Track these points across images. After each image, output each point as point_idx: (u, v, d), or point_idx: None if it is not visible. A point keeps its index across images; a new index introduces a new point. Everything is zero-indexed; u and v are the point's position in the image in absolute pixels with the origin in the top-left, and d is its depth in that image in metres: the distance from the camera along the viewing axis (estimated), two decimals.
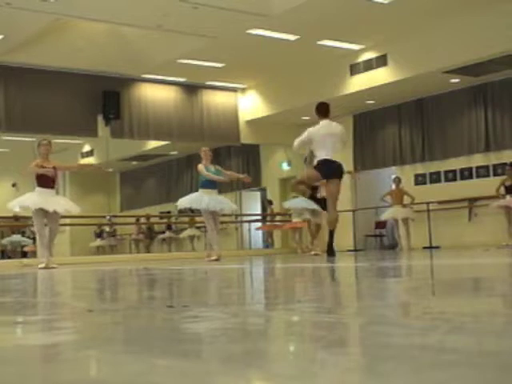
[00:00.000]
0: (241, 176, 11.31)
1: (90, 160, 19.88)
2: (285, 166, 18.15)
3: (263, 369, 1.14)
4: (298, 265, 6.74)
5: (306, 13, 11.75)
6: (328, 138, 8.67)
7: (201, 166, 10.31)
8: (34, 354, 1.40)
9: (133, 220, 19.58)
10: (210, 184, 10.27)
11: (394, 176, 15.01)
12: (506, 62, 12.43)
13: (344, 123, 16.04)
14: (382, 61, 13.95)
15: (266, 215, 18.50)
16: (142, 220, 19.49)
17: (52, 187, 9.08)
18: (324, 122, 8.82)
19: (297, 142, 9.01)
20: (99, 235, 20.14)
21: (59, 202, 9.14)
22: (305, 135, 8.93)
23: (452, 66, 12.83)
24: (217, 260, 9.77)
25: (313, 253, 11.59)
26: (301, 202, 12.26)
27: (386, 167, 16.06)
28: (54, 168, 9.11)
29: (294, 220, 14.72)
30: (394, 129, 15.71)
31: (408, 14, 12.12)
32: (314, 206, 11.79)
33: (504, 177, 12.81)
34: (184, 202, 10.36)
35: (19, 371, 1.19)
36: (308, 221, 12.58)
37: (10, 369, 1.20)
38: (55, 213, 8.93)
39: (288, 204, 13.87)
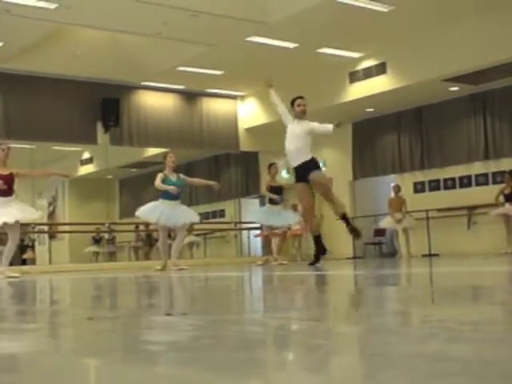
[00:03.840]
0: (210, 183, 10.50)
1: (89, 167, 19.89)
2: (284, 174, 18.15)
3: (262, 377, 1.14)
4: (297, 273, 6.74)
5: (306, 21, 11.78)
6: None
7: (159, 177, 9.71)
8: (33, 361, 1.39)
9: (132, 227, 19.55)
10: (170, 195, 9.67)
11: (393, 184, 15.01)
12: (505, 70, 12.46)
13: (343, 131, 16.16)
14: (381, 69, 13.97)
15: None
16: (141, 227, 19.45)
17: (8, 195, 8.41)
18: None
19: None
20: (98, 241, 20.04)
21: (14, 211, 8.32)
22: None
23: (451, 74, 12.85)
24: (162, 270, 9.47)
25: (278, 262, 10.98)
26: (257, 217, 11.63)
27: (385, 175, 16.06)
28: (11, 174, 8.45)
29: (294, 227, 14.71)
30: (393, 136, 15.72)
31: (407, 22, 12.16)
32: (270, 222, 11.23)
33: (503, 185, 12.82)
34: (142, 213, 9.91)
35: (18, 379, 1.19)
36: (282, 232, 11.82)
37: (9, 377, 1.20)
38: (15, 223, 8.32)
39: (250, 216, 13.55)
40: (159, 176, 9.74)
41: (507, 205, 12.55)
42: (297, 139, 8.20)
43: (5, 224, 8.28)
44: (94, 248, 19.86)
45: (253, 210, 13.85)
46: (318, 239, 8.53)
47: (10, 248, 8.52)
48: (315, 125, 8.29)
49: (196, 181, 10.92)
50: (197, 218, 10.33)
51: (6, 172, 8.44)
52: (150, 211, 9.79)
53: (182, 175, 10.11)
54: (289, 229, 12.51)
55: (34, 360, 1.41)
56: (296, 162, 8.23)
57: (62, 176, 10.52)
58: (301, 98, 8.46)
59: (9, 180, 8.44)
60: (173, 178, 9.83)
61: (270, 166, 11.50)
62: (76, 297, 4.52)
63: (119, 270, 11.51)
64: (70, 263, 17.32)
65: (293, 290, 4.05)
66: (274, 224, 11.36)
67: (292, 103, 8.44)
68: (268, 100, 16.32)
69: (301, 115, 8.32)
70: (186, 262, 12.88)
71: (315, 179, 8.21)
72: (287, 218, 11.37)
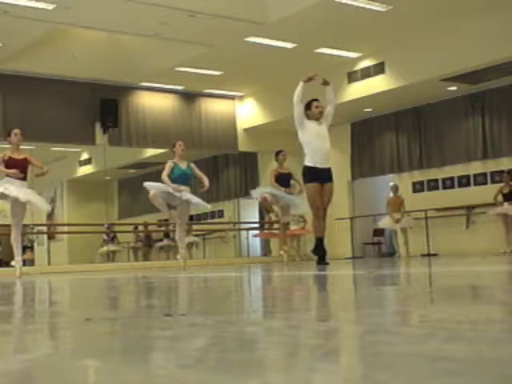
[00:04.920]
0: (203, 180, 10.15)
1: (88, 168, 19.89)
2: None
3: (261, 378, 1.14)
4: (295, 273, 6.73)
5: (304, 21, 11.79)
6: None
7: (168, 167, 9.66)
8: (31, 363, 1.39)
9: (131, 228, 19.54)
10: (181, 181, 9.63)
11: (391, 184, 15.02)
12: (503, 70, 12.48)
13: (341, 131, 16.18)
14: (379, 68, 13.99)
15: (263, 223, 18.48)
16: (140, 228, 19.44)
17: (23, 179, 8.62)
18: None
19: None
20: (113, 239, 19.80)
21: (28, 194, 8.57)
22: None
23: (449, 74, 12.87)
24: (184, 268, 9.34)
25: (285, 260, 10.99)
26: (270, 190, 11.39)
27: (384, 175, 16.08)
28: (26, 159, 8.69)
29: (293, 227, 14.70)
30: (391, 136, 15.73)
31: (405, 21, 12.17)
32: (284, 195, 11.10)
33: (502, 184, 12.83)
34: (152, 185, 9.67)
35: (17, 381, 1.19)
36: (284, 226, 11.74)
37: (7, 379, 1.20)
38: (23, 203, 8.54)
39: (254, 192, 13.53)
40: (168, 165, 9.68)
41: (506, 204, 12.56)
42: (326, 141, 8.35)
43: (15, 201, 8.44)
44: (106, 248, 19.71)
45: (261, 188, 13.55)
46: (321, 241, 8.58)
47: (17, 225, 8.66)
48: (328, 115, 8.46)
49: (199, 175, 10.52)
50: (209, 206, 10.39)
51: (20, 156, 8.66)
52: (164, 186, 9.62)
53: (192, 164, 10.06)
54: (287, 228, 12.35)
55: (33, 362, 1.41)
56: (325, 163, 8.32)
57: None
58: (317, 100, 8.58)
59: (23, 164, 8.65)
60: (183, 165, 9.79)
61: (278, 152, 11.38)
62: (75, 298, 4.51)
63: (118, 271, 11.51)
64: (68, 264, 17.29)
65: (292, 290, 4.05)
66: (285, 197, 11.21)
67: (308, 105, 8.51)
68: (266, 100, 16.51)
69: (319, 117, 8.43)
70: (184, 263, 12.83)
71: (331, 190, 8.40)
72: (296, 197, 11.28)
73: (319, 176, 8.31)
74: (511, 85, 13.37)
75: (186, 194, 9.58)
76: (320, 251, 8.52)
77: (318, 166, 8.30)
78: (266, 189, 11.84)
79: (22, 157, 8.67)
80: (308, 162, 8.34)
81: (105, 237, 19.49)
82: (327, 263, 8.39)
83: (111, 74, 14.74)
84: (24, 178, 8.65)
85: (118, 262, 18.76)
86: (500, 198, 12.73)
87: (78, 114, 14.90)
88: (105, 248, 19.63)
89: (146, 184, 9.77)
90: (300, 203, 11.31)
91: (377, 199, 16.03)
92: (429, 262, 8.98)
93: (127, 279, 7.11)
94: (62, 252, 19.85)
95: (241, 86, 16.44)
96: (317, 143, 8.30)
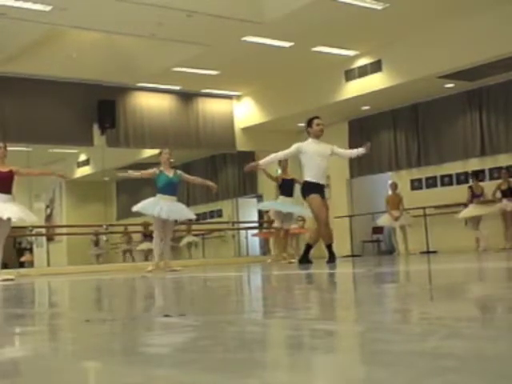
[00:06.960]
0: (208, 183, 10.31)
1: (86, 169, 19.87)
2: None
3: (261, 378, 1.14)
4: (295, 272, 6.73)
5: (301, 19, 11.78)
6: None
7: (152, 170, 9.74)
8: (31, 364, 1.39)
9: (129, 229, 19.48)
10: (168, 189, 9.61)
11: (390, 181, 15.03)
12: (500, 66, 12.47)
13: (339, 129, 16.18)
14: (376, 66, 13.98)
15: (262, 222, 18.48)
16: (139, 228, 19.37)
17: (7, 192, 8.44)
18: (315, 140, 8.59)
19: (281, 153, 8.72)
20: (147, 236, 19.61)
21: (13, 208, 8.40)
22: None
23: (446, 71, 12.86)
24: (150, 272, 9.25)
25: (287, 261, 10.93)
26: (275, 205, 11.65)
27: (382, 173, 16.07)
28: (11, 172, 8.52)
29: (292, 227, 14.68)
30: (389, 134, 15.73)
31: (402, 19, 12.16)
32: (289, 209, 11.28)
33: (500, 181, 12.84)
34: (138, 206, 9.76)
35: (17, 383, 1.19)
36: (279, 229, 11.70)
37: (8, 381, 1.19)
38: (8, 220, 8.34)
39: (261, 206, 13.66)
40: (153, 170, 9.70)
41: (504, 200, 12.57)
42: (325, 160, 8.61)
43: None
44: (144, 245, 19.51)
45: (267, 202, 13.66)
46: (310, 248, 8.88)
47: None
48: (345, 151, 9.54)
49: (192, 178, 10.60)
50: (193, 215, 10.40)
51: (5, 169, 8.49)
52: (150, 206, 9.65)
53: (179, 171, 10.06)
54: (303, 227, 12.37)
55: (33, 363, 1.41)
56: (323, 180, 8.63)
57: (61, 177, 10.47)
58: (318, 117, 8.75)
59: (8, 177, 8.47)
60: (169, 173, 9.77)
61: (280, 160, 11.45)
62: (74, 299, 4.51)
63: (117, 272, 11.50)
64: (68, 265, 17.28)
65: (291, 290, 4.05)
66: (292, 211, 11.31)
67: (309, 123, 8.65)
68: (264, 99, 16.51)
69: (319, 134, 8.59)
70: (184, 263, 12.85)
71: (327, 205, 8.78)
72: (301, 208, 11.34)
73: (320, 190, 8.54)
74: (508, 81, 13.37)
75: (172, 213, 9.60)
76: (306, 259, 8.75)
77: (319, 181, 8.53)
78: (270, 204, 12.04)
79: (6, 170, 8.50)
80: (309, 178, 8.52)
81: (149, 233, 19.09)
82: (311, 262, 8.63)
83: (108, 75, 14.72)
84: (9, 192, 8.48)
85: (117, 262, 18.75)
86: (498, 194, 12.74)
87: (75, 115, 14.88)
88: (144, 245, 19.39)
89: (138, 208, 9.87)
90: (301, 209, 11.34)
91: (375, 197, 16.03)
92: (428, 260, 8.99)
93: (127, 280, 7.11)
94: (61, 253, 19.82)
95: (238, 86, 16.43)
96: (317, 162, 8.48)
